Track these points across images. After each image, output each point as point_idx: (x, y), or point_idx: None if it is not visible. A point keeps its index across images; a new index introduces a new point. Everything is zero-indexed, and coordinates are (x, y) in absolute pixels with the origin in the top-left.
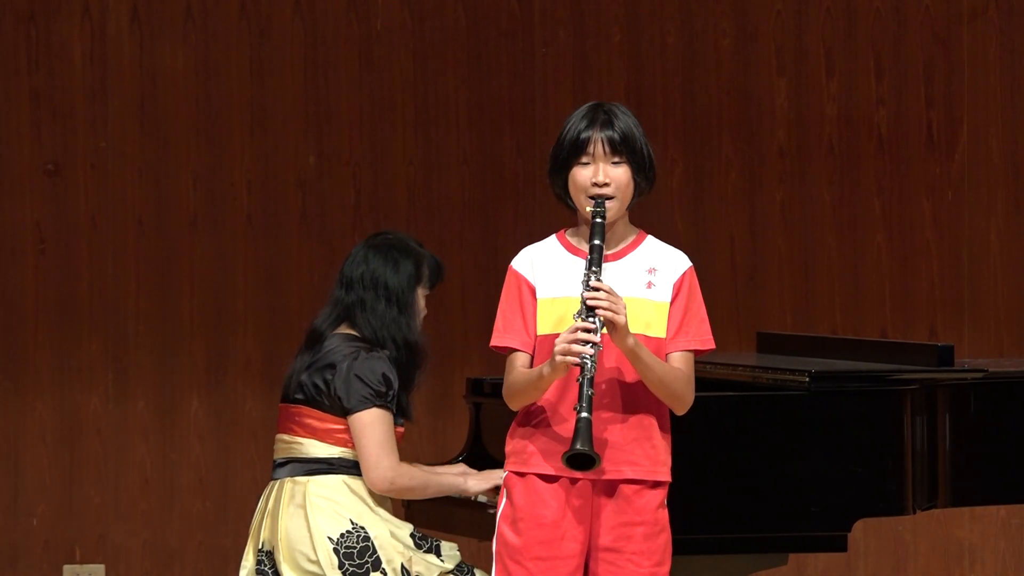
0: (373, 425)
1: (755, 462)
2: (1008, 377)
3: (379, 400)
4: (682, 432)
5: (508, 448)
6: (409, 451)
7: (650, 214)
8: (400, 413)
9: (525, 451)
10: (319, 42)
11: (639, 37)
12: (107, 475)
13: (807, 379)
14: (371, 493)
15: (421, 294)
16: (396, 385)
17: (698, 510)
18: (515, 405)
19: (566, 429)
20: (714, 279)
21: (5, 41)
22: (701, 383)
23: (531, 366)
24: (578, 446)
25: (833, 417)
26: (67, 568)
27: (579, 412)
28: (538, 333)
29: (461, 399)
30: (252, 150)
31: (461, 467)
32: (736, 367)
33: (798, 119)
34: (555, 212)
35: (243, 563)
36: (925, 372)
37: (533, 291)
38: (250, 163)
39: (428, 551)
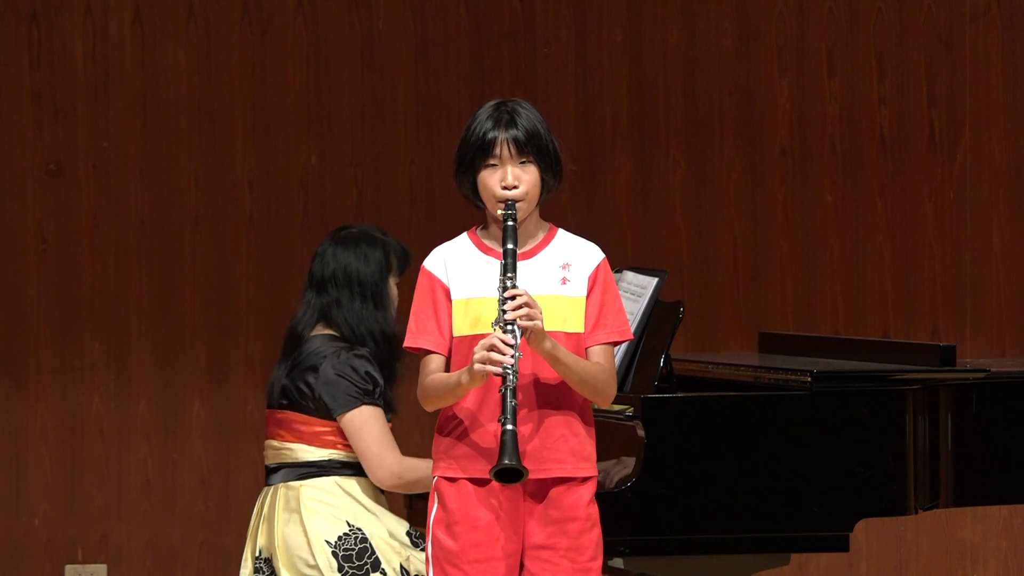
0: (368, 424)
1: (757, 462)
2: (1010, 377)
3: (367, 398)
4: (684, 432)
5: (435, 454)
6: (411, 450)
7: (652, 214)
8: (387, 408)
9: (452, 457)
10: (321, 42)
11: (641, 37)
12: (109, 475)
13: (809, 379)
14: (365, 491)
15: (393, 283)
16: (382, 382)
17: (700, 510)
18: (430, 407)
19: (486, 436)
20: (716, 279)
21: (7, 40)
22: (703, 383)
23: (447, 367)
24: (506, 461)
25: (835, 417)
26: (69, 568)
27: (504, 425)
28: (455, 335)
29: None
30: (254, 150)
31: None
32: (738, 367)
33: (800, 119)
34: (555, 212)
35: (242, 569)
36: (927, 372)
37: (447, 292)
38: (252, 163)
39: (424, 550)
